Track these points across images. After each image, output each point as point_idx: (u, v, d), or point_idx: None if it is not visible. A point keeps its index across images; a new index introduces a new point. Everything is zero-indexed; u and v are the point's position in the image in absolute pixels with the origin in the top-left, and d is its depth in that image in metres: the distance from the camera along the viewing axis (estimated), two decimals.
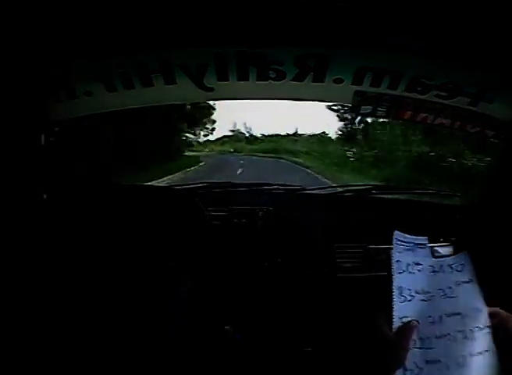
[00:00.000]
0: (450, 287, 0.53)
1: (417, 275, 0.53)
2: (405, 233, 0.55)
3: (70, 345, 0.82)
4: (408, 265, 0.53)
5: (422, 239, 0.55)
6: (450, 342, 0.50)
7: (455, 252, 0.56)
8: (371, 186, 1.25)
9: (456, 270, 0.54)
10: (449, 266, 0.54)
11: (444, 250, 0.59)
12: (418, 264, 0.53)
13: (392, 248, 0.54)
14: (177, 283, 0.92)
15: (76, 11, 0.74)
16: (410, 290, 0.51)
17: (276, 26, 0.85)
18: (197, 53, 0.96)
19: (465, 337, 0.50)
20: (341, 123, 12.86)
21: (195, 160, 11.05)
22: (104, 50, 0.91)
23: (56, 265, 0.91)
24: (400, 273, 0.52)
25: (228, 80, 1.01)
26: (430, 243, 0.55)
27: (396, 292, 0.51)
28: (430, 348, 0.49)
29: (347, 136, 12.35)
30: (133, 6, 0.76)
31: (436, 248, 0.57)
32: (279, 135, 17.32)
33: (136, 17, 0.79)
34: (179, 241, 0.98)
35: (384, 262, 0.96)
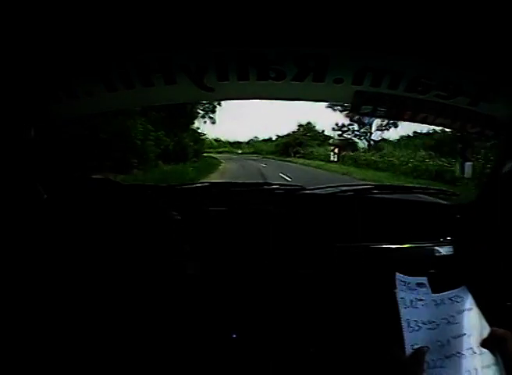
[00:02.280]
0: (453, 316, 0.57)
1: (421, 309, 0.58)
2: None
3: (71, 345, 0.82)
4: (412, 301, 0.58)
5: (422, 279, 0.61)
6: (460, 359, 0.53)
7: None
8: (371, 186, 1.25)
9: (457, 302, 0.59)
10: (450, 298, 0.59)
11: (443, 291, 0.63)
12: (421, 300, 0.58)
13: (393, 248, 0.55)
14: (177, 283, 0.92)
15: (76, 11, 0.74)
16: (416, 321, 0.56)
17: (276, 26, 0.85)
18: (197, 53, 0.96)
19: (474, 353, 0.54)
20: None
21: None
22: (105, 50, 0.91)
23: (58, 264, 0.91)
24: (405, 308, 0.57)
25: (228, 80, 1.01)
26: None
27: (404, 324, 0.56)
28: (442, 367, 0.53)
29: None
30: (133, 6, 0.76)
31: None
32: None
33: (137, 17, 0.79)
34: (178, 240, 0.98)
35: (385, 262, 0.96)
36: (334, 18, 0.80)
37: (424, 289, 0.60)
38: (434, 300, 0.59)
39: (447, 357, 0.53)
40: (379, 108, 1.08)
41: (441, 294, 0.60)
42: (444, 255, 0.95)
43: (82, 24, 0.79)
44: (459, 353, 0.54)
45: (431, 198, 1.42)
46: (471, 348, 0.54)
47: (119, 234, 0.96)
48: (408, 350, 0.54)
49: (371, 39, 0.86)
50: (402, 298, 0.58)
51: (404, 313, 0.56)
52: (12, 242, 0.88)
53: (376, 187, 1.25)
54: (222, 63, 0.97)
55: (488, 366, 0.52)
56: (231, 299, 0.93)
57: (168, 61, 0.97)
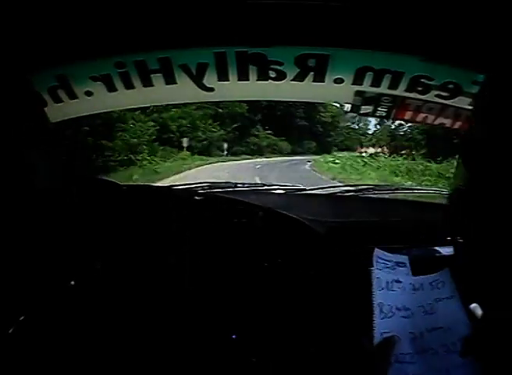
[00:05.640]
0: (430, 304, 0.52)
1: (398, 292, 0.53)
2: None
3: (69, 345, 0.82)
4: (388, 282, 0.53)
5: (403, 258, 0.56)
6: (432, 356, 0.49)
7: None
8: (372, 186, 1.25)
9: (437, 288, 0.54)
10: (430, 283, 0.54)
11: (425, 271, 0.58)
12: (398, 282, 0.54)
13: (393, 248, 0.54)
14: (176, 283, 0.92)
15: (76, 10, 0.74)
16: (390, 306, 0.52)
17: (276, 26, 0.85)
18: (197, 53, 0.96)
19: (447, 351, 0.49)
20: None
21: None
22: (105, 50, 0.91)
23: (57, 264, 0.91)
24: (380, 290, 0.53)
25: (228, 80, 1.01)
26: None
27: (376, 308, 0.51)
28: (412, 363, 0.49)
29: None
30: (133, 6, 0.76)
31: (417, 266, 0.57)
32: None
33: (137, 17, 0.79)
34: (177, 240, 0.98)
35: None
36: (334, 18, 0.80)
37: (403, 269, 0.55)
38: (412, 283, 0.54)
39: (418, 352, 0.49)
40: (379, 109, 1.08)
41: (421, 277, 0.54)
42: (444, 255, 0.95)
43: (81, 24, 0.79)
44: (432, 349, 0.49)
45: (430, 199, 1.42)
46: (445, 345, 0.49)
47: (118, 234, 0.96)
48: (377, 338, 0.49)
49: (371, 39, 0.86)
50: (378, 278, 0.53)
51: (378, 296, 0.52)
52: (11, 242, 0.88)
53: (376, 187, 1.25)
54: (222, 63, 0.97)
55: (459, 366, 0.47)
56: (229, 299, 0.93)
57: (168, 61, 0.97)
